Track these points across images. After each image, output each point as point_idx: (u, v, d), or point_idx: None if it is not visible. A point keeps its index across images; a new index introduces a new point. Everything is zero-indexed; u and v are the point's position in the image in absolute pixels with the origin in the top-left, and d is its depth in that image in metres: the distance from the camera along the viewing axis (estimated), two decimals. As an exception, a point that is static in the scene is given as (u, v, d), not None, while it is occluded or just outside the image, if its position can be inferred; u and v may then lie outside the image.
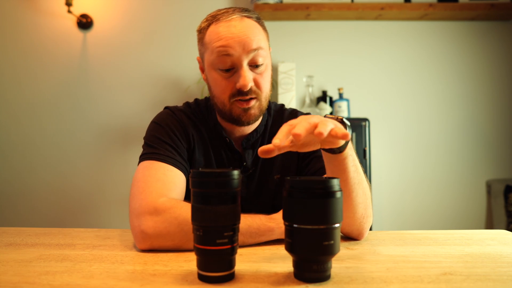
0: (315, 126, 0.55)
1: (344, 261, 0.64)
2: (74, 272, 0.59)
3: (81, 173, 2.29)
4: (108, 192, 2.28)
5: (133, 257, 0.68)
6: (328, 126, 0.55)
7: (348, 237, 0.82)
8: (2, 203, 2.29)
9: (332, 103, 2.18)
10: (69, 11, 2.11)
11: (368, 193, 0.79)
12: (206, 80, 0.92)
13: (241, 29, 0.82)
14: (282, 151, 0.57)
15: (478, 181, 2.29)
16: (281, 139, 0.55)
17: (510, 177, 2.27)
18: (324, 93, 2.19)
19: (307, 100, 2.18)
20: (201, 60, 0.93)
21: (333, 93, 2.24)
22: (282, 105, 1.04)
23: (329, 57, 2.29)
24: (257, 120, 0.90)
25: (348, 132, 0.63)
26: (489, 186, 2.27)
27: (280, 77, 2.13)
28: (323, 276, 0.54)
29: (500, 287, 0.53)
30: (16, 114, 2.28)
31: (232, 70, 0.85)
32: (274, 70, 2.23)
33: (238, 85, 0.83)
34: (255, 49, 0.83)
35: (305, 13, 2.15)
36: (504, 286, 0.53)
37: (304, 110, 2.15)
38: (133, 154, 2.23)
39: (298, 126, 0.54)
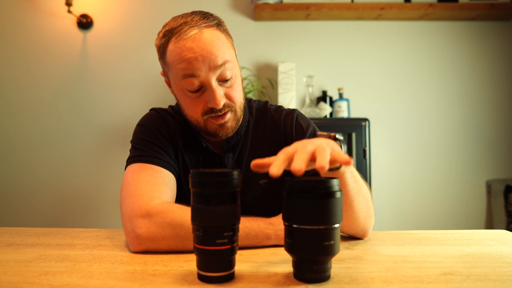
0: (313, 155, 0.52)
1: (344, 261, 0.64)
2: (74, 272, 0.59)
3: (81, 174, 2.29)
4: (107, 192, 2.28)
5: (133, 257, 0.68)
6: (327, 155, 0.51)
7: (348, 237, 0.82)
8: (2, 204, 2.29)
9: (332, 103, 2.18)
10: (69, 11, 2.11)
11: (368, 196, 0.78)
12: (174, 95, 0.89)
13: (203, 45, 0.77)
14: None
15: (478, 181, 2.29)
16: (279, 169, 0.50)
17: (510, 177, 2.27)
18: (324, 93, 2.19)
19: (307, 100, 2.18)
20: (165, 75, 0.89)
21: (333, 93, 2.24)
22: (266, 103, 1.00)
23: (329, 57, 2.29)
24: (234, 130, 0.88)
25: (343, 150, 0.62)
26: (489, 186, 2.27)
27: (280, 77, 2.13)
28: (323, 276, 0.54)
29: (500, 287, 0.53)
30: (16, 115, 2.28)
31: (201, 89, 0.81)
32: (274, 70, 2.23)
33: (210, 104, 0.80)
34: (221, 65, 0.78)
35: (305, 13, 2.15)
36: (504, 286, 0.53)
37: (304, 110, 2.14)
38: (133, 154, 2.22)
39: (297, 160, 0.50)
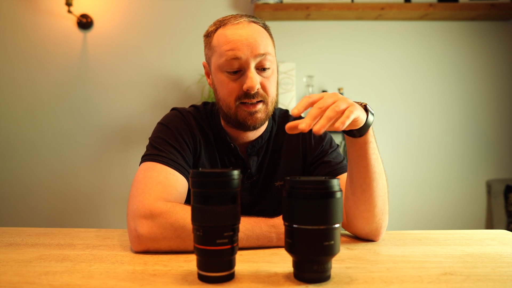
0: (341, 113, 0.60)
1: (344, 261, 0.64)
2: (74, 272, 0.59)
3: (81, 174, 2.29)
4: (108, 193, 2.28)
5: (133, 257, 0.68)
6: (351, 116, 0.59)
7: (348, 237, 0.82)
8: (2, 205, 2.28)
9: (332, 103, 2.18)
10: (69, 11, 2.11)
11: (386, 188, 0.77)
12: (212, 85, 0.91)
13: (249, 32, 0.83)
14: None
15: (478, 181, 2.29)
16: (300, 110, 0.59)
17: (510, 177, 2.27)
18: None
19: (307, 100, 2.18)
20: (208, 64, 0.92)
21: (333, 93, 2.24)
22: (286, 111, 1.03)
23: (329, 57, 2.29)
24: (262, 124, 0.89)
25: (370, 118, 0.67)
26: (489, 186, 2.27)
27: (280, 77, 2.13)
28: (323, 276, 0.54)
29: (500, 287, 0.52)
30: (16, 115, 2.28)
31: (240, 72, 0.84)
32: (274, 70, 2.23)
33: (245, 86, 0.82)
34: (262, 54, 0.83)
35: (305, 13, 2.15)
36: (504, 286, 0.53)
37: (304, 110, 2.15)
38: (133, 155, 2.23)
39: (322, 120, 0.58)
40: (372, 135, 0.71)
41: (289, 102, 2.11)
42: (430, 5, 2.11)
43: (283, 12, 2.13)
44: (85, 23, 2.25)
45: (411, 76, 2.29)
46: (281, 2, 2.14)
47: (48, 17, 2.26)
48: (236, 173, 0.54)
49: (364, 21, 2.29)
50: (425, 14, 2.18)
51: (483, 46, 2.28)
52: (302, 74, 2.26)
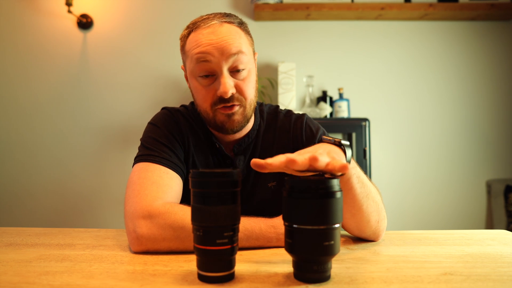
0: (313, 160, 0.52)
1: (344, 261, 0.64)
2: (74, 272, 0.59)
3: (81, 175, 2.28)
4: (107, 193, 2.28)
5: (133, 257, 0.68)
6: (323, 161, 0.52)
7: (348, 237, 0.82)
8: (1, 206, 2.28)
9: (332, 103, 2.18)
10: (69, 11, 2.11)
11: (379, 199, 0.77)
12: (190, 89, 0.90)
13: (220, 34, 0.80)
14: (275, 170, 0.53)
15: (478, 181, 2.29)
16: (273, 163, 0.51)
17: (510, 177, 2.27)
18: (324, 93, 2.19)
19: (307, 100, 2.18)
20: (184, 68, 0.91)
21: (333, 93, 2.24)
22: (277, 107, 1.00)
23: (329, 57, 2.29)
24: (242, 127, 0.87)
25: (348, 155, 0.64)
26: (489, 186, 2.27)
27: (280, 77, 2.13)
28: (323, 276, 0.54)
29: (500, 287, 0.52)
30: (15, 116, 2.28)
31: (213, 77, 0.82)
32: (274, 70, 2.23)
33: (218, 92, 0.81)
34: (234, 54, 0.80)
35: (305, 13, 2.15)
36: (504, 286, 0.53)
37: (304, 110, 2.14)
38: (133, 156, 2.20)
39: (298, 157, 0.52)
40: (354, 167, 0.69)
41: (289, 102, 2.11)
42: (430, 5, 2.11)
43: (283, 12, 2.13)
44: (85, 23, 2.25)
45: (411, 76, 2.29)
46: (281, 2, 2.14)
47: (48, 17, 2.26)
48: (236, 173, 0.54)
49: (364, 21, 2.29)
50: (425, 14, 2.18)
51: (483, 46, 2.28)
52: (302, 74, 2.26)
